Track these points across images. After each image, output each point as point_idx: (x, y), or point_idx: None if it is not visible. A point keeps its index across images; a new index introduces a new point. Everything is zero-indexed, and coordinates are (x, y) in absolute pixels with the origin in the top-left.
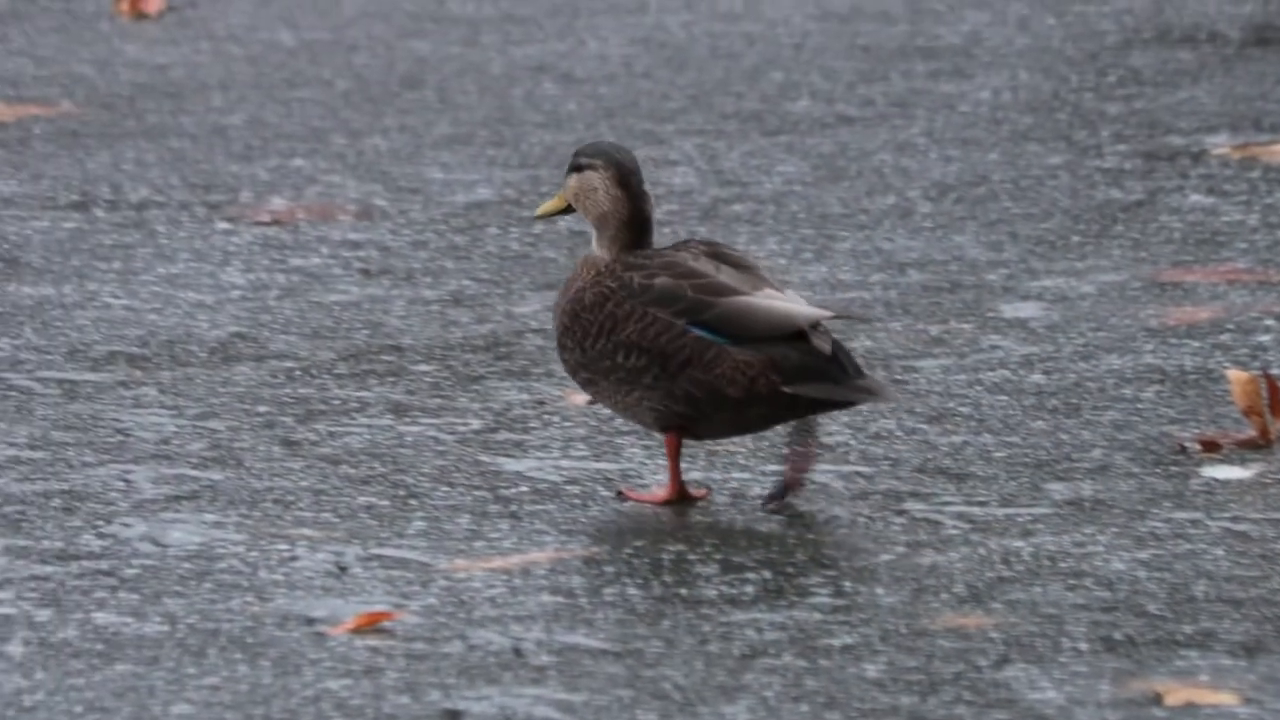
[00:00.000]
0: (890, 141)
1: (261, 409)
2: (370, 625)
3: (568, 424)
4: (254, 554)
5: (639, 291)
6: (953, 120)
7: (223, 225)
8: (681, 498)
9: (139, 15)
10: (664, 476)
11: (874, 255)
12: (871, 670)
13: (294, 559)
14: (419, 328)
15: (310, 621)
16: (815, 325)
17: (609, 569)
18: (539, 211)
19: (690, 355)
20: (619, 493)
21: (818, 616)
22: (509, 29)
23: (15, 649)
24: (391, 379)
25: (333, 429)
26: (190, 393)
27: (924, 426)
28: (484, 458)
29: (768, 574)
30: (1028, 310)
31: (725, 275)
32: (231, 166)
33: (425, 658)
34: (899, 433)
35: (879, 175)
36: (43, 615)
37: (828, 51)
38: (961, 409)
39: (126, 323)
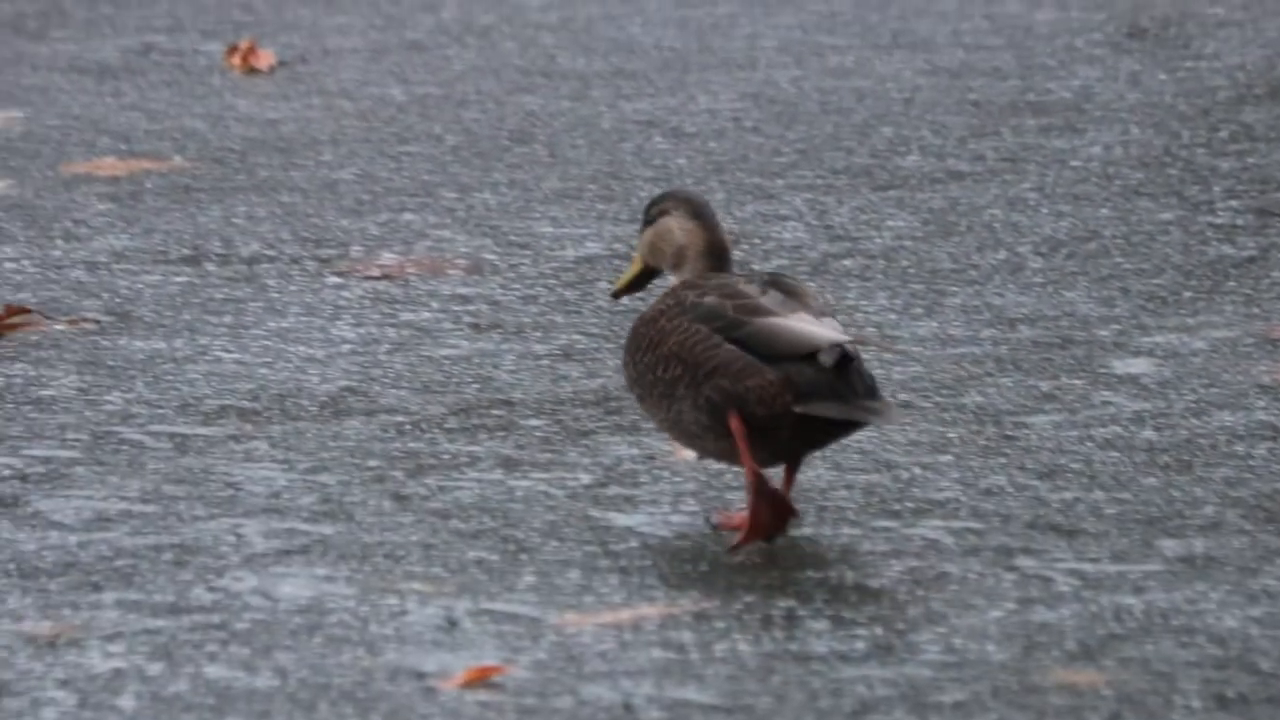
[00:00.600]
0: (1001, 197)
1: (372, 463)
2: (480, 680)
3: (678, 479)
4: (364, 608)
5: (690, 308)
6: (1064, 176)
7: (333, 279)
8: (763, 482)
9: (250, 70)
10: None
11: (984, 311)
12: None
13: (404, 613)
14: (529, 382)
15: (420, 675)
16: (834, 347)
17: (719, 624)
18: (618, 286)
19: (718, 365)
20: (707, 522)
21: (928, 673)
22: (619, 84)
23: (127, 703)
24: (502, 433)
25: (443, 483)
26: (301, 447)
27: (1035, 482)
28: (594, 512)
29: (878, 630)
30: (1139, 366)
31: (768, 298)
32: (342, 221)
33: (535, 712)
34: (1010, 489)
35: (989, 230)
36: (154, 669)
37: (938, 107)
38: (1073, 465)
39: (237, 377)
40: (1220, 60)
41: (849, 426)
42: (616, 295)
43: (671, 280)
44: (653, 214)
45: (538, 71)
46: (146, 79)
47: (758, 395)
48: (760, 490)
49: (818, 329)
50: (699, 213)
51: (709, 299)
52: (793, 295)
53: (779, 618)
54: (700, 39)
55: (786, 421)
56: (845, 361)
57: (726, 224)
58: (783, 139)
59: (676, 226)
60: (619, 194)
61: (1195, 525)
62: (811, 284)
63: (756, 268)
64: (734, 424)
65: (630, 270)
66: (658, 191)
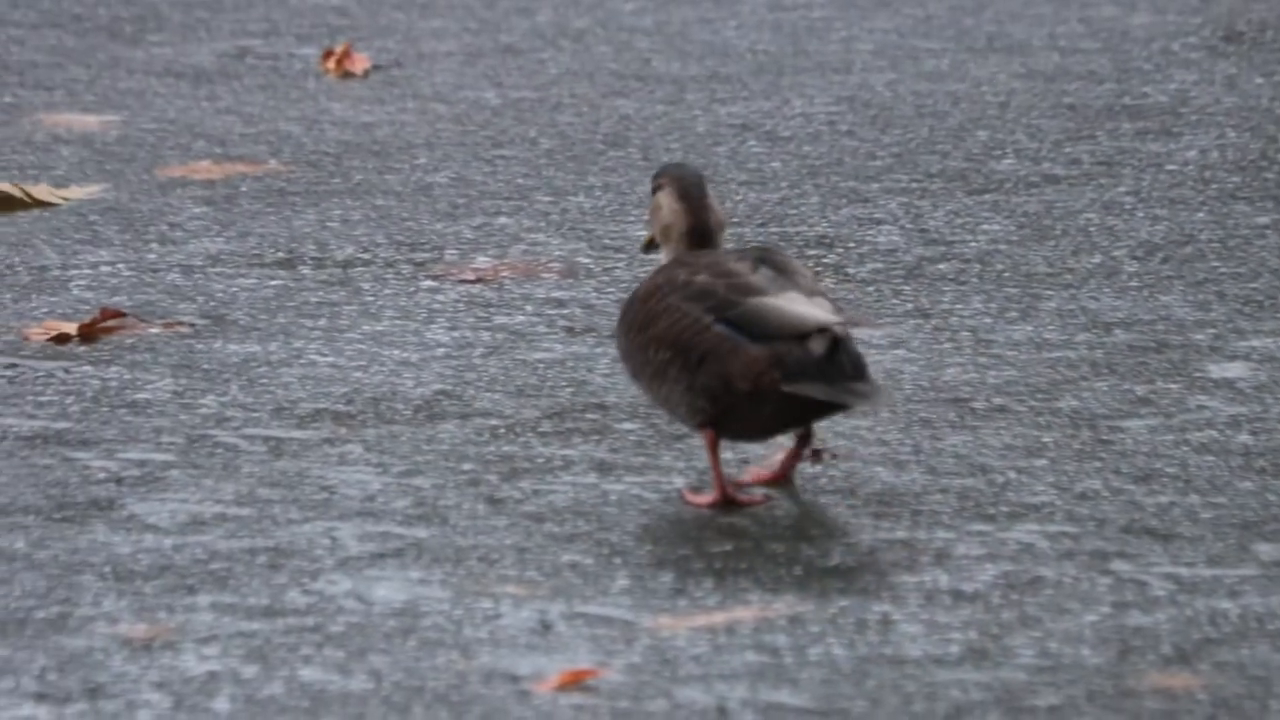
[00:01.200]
0: (1096, 200)
1: (466, 467)
2: (574, 683)
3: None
4: (459, 611)
5: (680, 286)
6: (1160, 179)
7: (428, 283)
8: (727, 502)
9: (345, 74)
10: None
11: (1079, 315)
12: None
13: (498, 616)
14: (623, 386)
15: (514, 679)
16: (825, 329)
17: (814, 627)
18: (646, 242)
19: (708, 349)
20: (681, 495)
21: (1023, 677)
22: (714, 87)
23: (222, 705)
24: (596, 437)
25: (537, 487)
26: (395, 450)
27: (1130, 487)
28: (687, 515)
29: (973, 634)
30: (1235, 370)
31: (759, 276)
32: (437, 224)
33: (629, 715)
34: (1105, 492)
35: (1085, 234)
36: (249, 671)
37: (1033, 110)
38: (1168, 469)
39: (332, 380)
40: None
41: (834, 408)
42: (645, 250)
43: (663, 254)
44: (652, 188)
45: (632, 75)
46: (242, 83)
47: (742, 371)
48: (720, 505)
49: (808, 309)
50: (686, 193)
51: (700, 278)
52: (783, 272)
53: (874, 621)
54: (795, 42)
55: (771, 399)
56: (834, 343)
57: (820, 228)
58: (877, 143)
59: (665, 205)
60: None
61: None
62: (799, 260)
63: (751, 244)
64: (707, 438)
65: (647, 237)
66: (753, 196)
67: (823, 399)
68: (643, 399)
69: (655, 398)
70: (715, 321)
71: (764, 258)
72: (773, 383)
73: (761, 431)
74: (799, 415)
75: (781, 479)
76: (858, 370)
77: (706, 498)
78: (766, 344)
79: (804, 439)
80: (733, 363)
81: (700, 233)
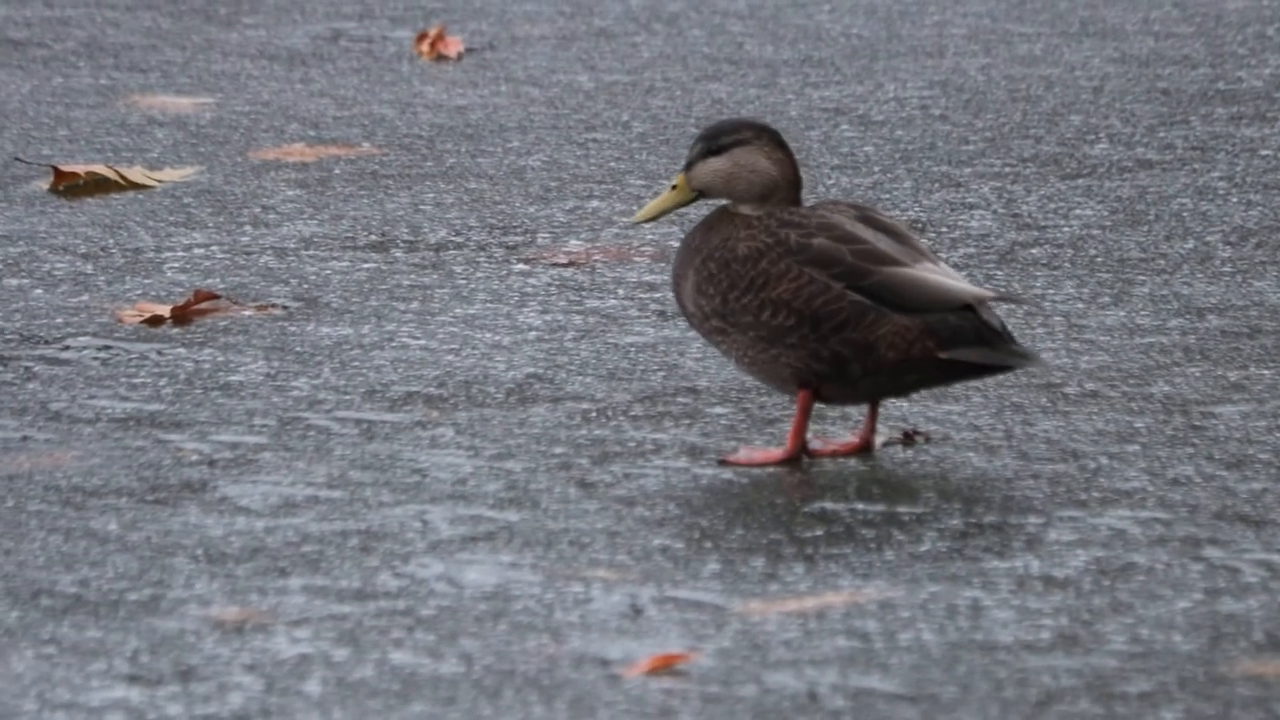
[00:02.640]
0: (1190, 186)
1: (558, 450)
2: (665, 667)
3: (862, 467)
4: (549, 595)
5: (796, 250)
6: (1254, 165)
7: (520, 266)
8: (801, 454)
9: (439, 58)
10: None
11: (1172, 300)
12: (1169, 717)
13: (589, 600)
14: (715, 370)
15: (605, 663)
16: (980, 303)
17: (904, 613)
18: (644, 215)
19: (847, 318)
20: (721, 460)
21: (1114, 663)
22: (807, 71)
23: (313, 688)
24: (687, 421)
25: (628, 470)
26: (487, 433)
27: (1223, 473)
28: (779, 500)
29: (1064, 620)
30: None
31: (884, 244)
32: (529, 208)
33: (719, 700)
34: (1197, 478)
35: (1178, 220)
36: (340, 654)
37: (1127, 95)
38: (1261, 455)
39: (424, 363)
40: None
41: (989, 370)
42: (642, 222)
43: (741, 210)
44: (724, 143)
45: (725, 59)
46: (335, 66)
47: (892, 341)
48: (793, 459)
49: (956, 283)
50: (783, 143)
51: (818, 240)
52: (899, 237)
53: (964, 607)
54: (888, 26)
55: (919, 367)
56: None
57: (913, 212)
58: (970, 127)
59: (765, 157)
60: (806, 182)
61: None
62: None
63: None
64: (803, 397)
65: (670, 199)
66: (845, 180)
67: (985, 363)
68: (730, 374)
69: (739, 355)
70: (846, 289)
71: (865, 217)
72: (925, 351)
73: (886, 394)
74: (944, 380)
75: (861, 448)
76: (1008, 334)
77: (772, 454)
78: (915, 315)
79: (875, 408)
80: (878, 332)
81: (799, 183)
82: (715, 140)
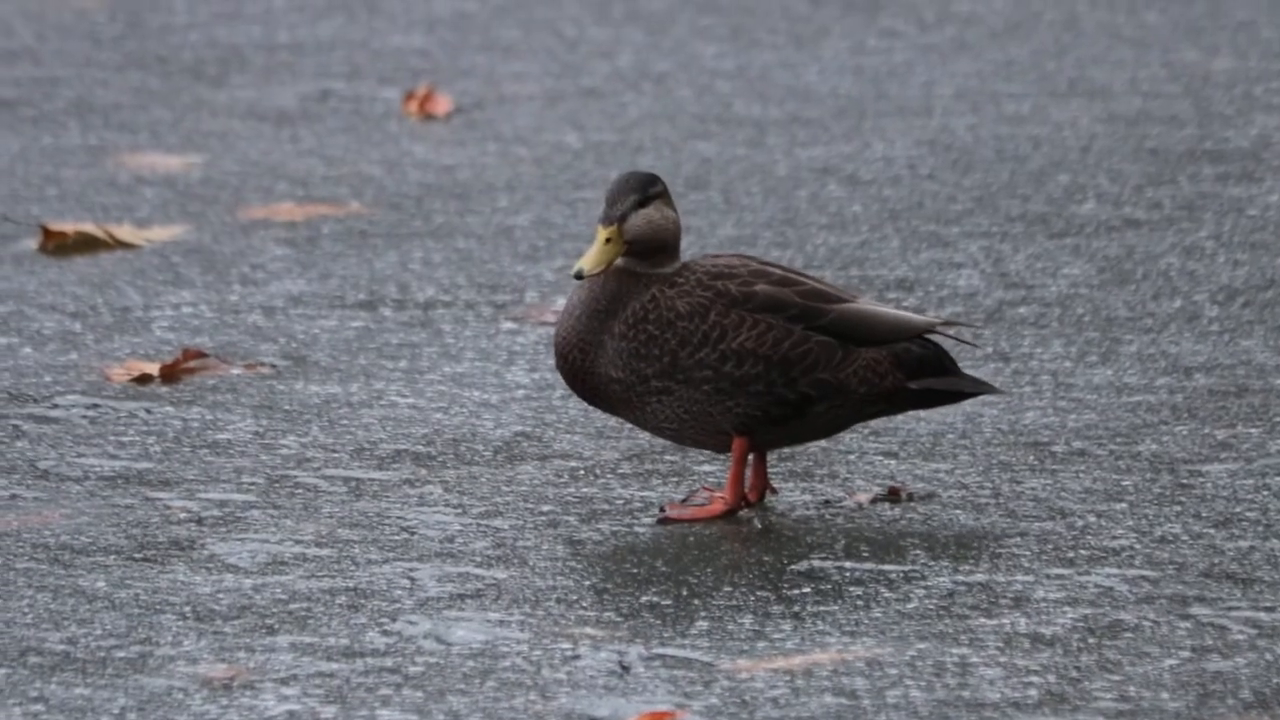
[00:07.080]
0: (1177, 245)
1: (545, 508)
2: None
3: (850, 525)
4: (537, 653)
5: (742, 299)
6: (1240, 224)
7: (508, 325)
8: (741, 506)
9: (427, 117)
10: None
11: (1160, 359)
12: None
13: (577, 658)
14: None
15: None
16: (928, 331)
17: (892, 671)
18: (595, 266)
19: (817, 359)
20: (661, 512)
21: None
22: (795, 130)
23: None
24: (675, 479)
25: (616, 528)
26: (475, 491)
27: (1210, 531)
28: (767, 558)
29: (1052, 677)
30: None
31: (815, 283)
32: (517, 267)
33: None
34: (1185, 536)
35: (1166, 278)
36: (328, 712)
37: (1115, 154)
38: (1248, 514)
39: (412, 421)
40: None
41: (950, 398)
42: (592, 274)
43: (638, 269)
44: (651, 194)
45: (713, 118)
46: (324, 125)
47: (861, 376)
48: (731, 512)
49: (908, 313)
50: (672, 199)
51: (760, 287)
52: (808, 278)
53: (952, 665)
54: (876, 86)
55: (893, 399)
56: (934, 342)
57: (900, 271)
58: (958, 186)
59: (671, 208)
60: (794, 240)
61: None
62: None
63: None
64: (740, 446)
65: (611, 250)
66: (833, 239)
67: (954, 390)
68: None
69: (682, 410)
70: (805, 330)
71: (761, 261)
72: (897, 383)
73: (808, 439)
74: (903, 409)
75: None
76: (955, 364)
77: (711, 508)
78: (881, 347)
79: (763, 455)
80: (849, 368)
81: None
82: (645, 191)
